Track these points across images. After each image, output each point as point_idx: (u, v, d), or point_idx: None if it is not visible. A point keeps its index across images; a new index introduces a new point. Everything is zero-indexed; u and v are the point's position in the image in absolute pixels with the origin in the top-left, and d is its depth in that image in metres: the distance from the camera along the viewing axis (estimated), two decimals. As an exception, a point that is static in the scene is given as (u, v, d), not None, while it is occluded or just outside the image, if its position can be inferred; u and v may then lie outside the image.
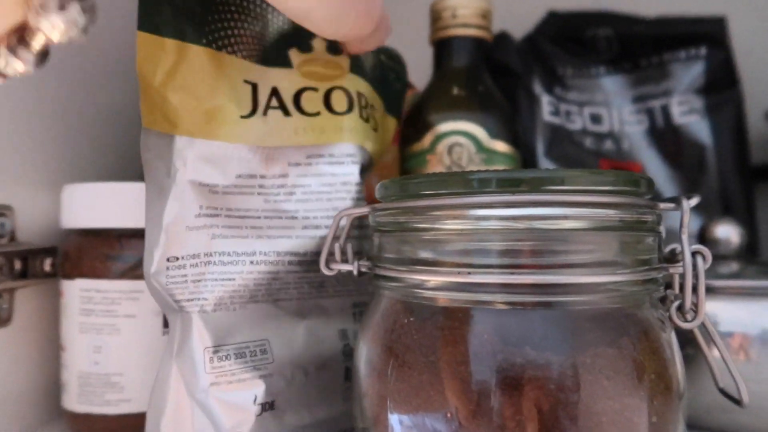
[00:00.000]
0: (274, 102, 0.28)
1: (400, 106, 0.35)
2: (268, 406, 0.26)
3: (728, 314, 0.29)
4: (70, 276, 0.29)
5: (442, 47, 0.39)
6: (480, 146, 0.36)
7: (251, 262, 0.26)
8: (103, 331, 0.28)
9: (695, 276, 0.21)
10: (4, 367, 0.30)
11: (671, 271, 0.22)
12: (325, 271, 0.25)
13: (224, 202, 0.26)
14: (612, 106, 0.46)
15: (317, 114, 0.29)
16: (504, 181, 0.20)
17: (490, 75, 0.41)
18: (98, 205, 0.29)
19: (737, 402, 0.22)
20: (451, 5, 0.38)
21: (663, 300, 0.23)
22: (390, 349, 0.21)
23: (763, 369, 0.28)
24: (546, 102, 0.45)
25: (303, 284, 0.28)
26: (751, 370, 0.28)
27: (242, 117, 0.27)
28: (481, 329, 0.20)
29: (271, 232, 0.27)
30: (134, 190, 0.29)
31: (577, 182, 0.20)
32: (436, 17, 0.39)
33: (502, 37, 0.46)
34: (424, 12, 0.42)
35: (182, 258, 0.25)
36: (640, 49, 0.46)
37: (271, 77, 0.28)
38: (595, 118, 0.46)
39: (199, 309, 0.25)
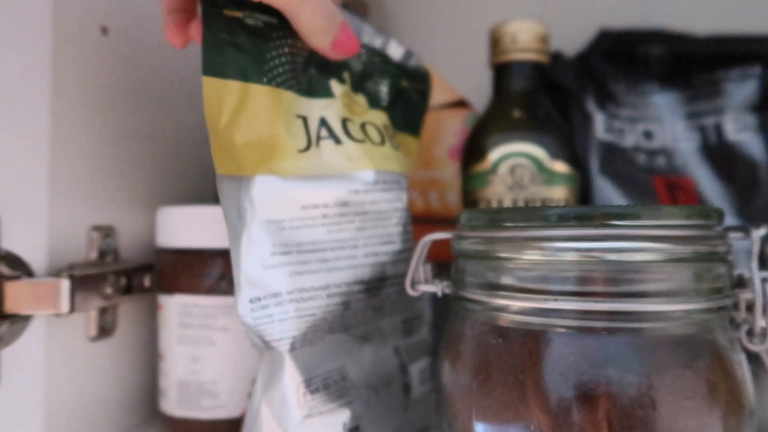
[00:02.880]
0: (324, 132, 0.29)
1: (420, 124, 0.36)
2: (355, 430, 0.28)
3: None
4: (168, 291, 0.32)
5: (502, 71, 0.40)
6: (541, 167, 0.37)
7: (327, 296, 0.28)
8: (200, 343, 0.31)
9: (765, 302, 0.23)
10: (106, 373, 0.33)
11: (741, 296, 0.23)
12: (411, 292, 0.27)
13: (293, 237, 0.27)
14: (664, 123, 0.48)
15: (363, 141, 0.30)
16: (581, 216, 0.22)
17: (545, 93, 0.43)
18: (191, 226, 0.32)
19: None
20: (511, 31, 0.40)
21: (731, 321, 0.24)
22: (477, 368, 0.23)
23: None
24: (599, 119, 0.47)
25: (368, 310, 0.30)
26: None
27: (299, 151, 0.27)
28: (566, 351, 0.22)
29: (338, 264, 0.28)
30: (220, 212, 0.31)
31: (652, 216, 0.22)
32: (495, 42, 0.40)
33: (556, 56, 0.48)
34: (483, 36, 0.44)
35: (264, 298, 0.26)
36: (693, 67, 0.47)
37: (317, 108, 0.29)
38: (648, 135, 0.47)
39: (289, 347, 0.26)
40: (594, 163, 0.45)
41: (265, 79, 0.27)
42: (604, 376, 0.21)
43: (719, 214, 0.23)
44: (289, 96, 0.28)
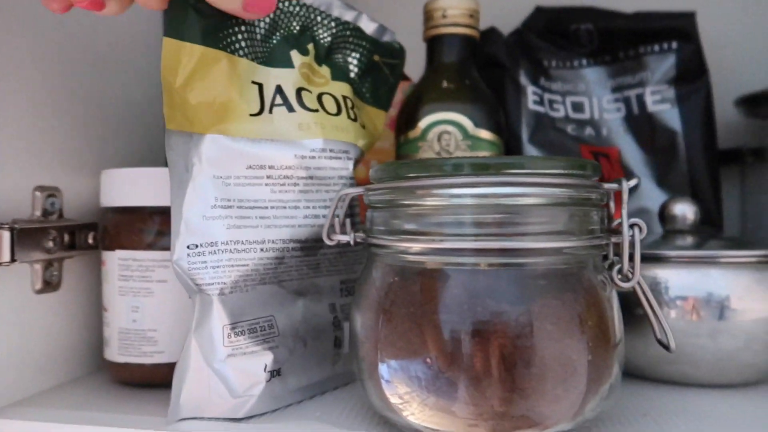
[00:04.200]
0: (279, 100, 0.31)
1: (390, 99, 0.39)
2: (275, 373, 0.30)
3: (679, 280, 0.34)
4: (110, 247, 0.34)
5: (434, 44, 0.43)
6: (466, 134, 0.40)
7: (261, 250, 0.30)
8: (139, 294, 0.33)
9: (632, 244, 0.26)
10: (54, 326, 0.35)
11: (613, 240, 0.26)
12: (327, 242, 0.29)
13: (236, 193, 0.29)
14: (593, 96, 0.51)
15: (316, 111, 0.32)
16: (473, 165, 0.25)
17: (480, 67, 0.45)
18: (133, 186, 0.34)
19: (667, 348, 0.27)
20: (442, 6, 0.42)
21: (611, 265, 0.27)
22: (380, 305, 0.26)
23: (707, 326, 0.32)
24: (531, 92, 0.50)
25: (303, 267, 0.32)
26: (697, 328, 0.33)
27: (251, 115, 0.30)
28: (452, 285, 0.25)
29: (277, 222, 0.31)
30: (164, 174, 0.34)
31: (534, 166, 0.25)
32: (428, 17, 0.43)
33: (491, 32, 0.50)
34: (420, 11, 0.46)
35: (201, 246, 0.28)
36: (619, 43, 0.50)
37: (274, 77, 0.31)
38: (577, 107, 0.50)
39: (218, 292, 0.28)
40: (525, 133, 0.48)
41: (221, 45, 0.28)
42: (481, 305, 0.24)
43: (594, 167, 0.26)
44: (245, 63, 0.30)
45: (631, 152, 0.49)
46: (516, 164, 0.25)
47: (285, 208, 0.31)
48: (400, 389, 0.25)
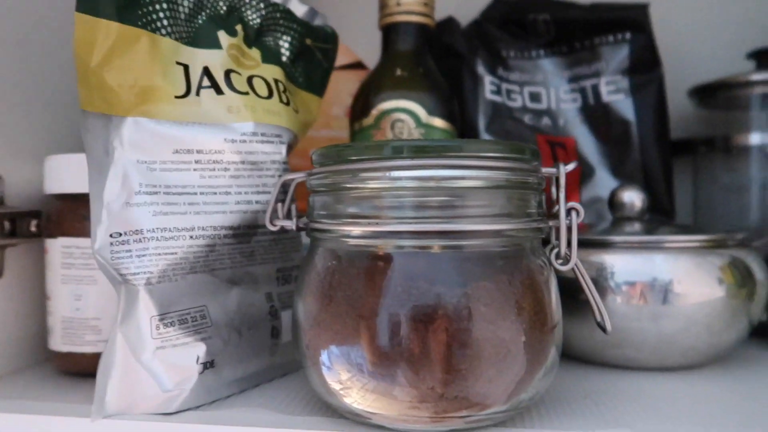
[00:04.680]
0: (206, 82, 0.30)
1: (324, 84, 0.38)
2: (209, 365, 0.29)
3: (624, 265, 0.34)
4: (53, 235, 0.33)
5: (388, 32, 0.43)
6: (419, 122, 0.40)
7: (191, 237, 0.29)
8: (82, 282, 0.33)
9: (570, 228, 0.26)
10: (-5, 316, 0.34)
11: (551, 224, 0.27)
12: (270, 227, 0.29)
13: (162, 179, 0.28)
14: (550, 86, 0.51)
15: (246, 93, 0.31)
16: (413, 148, 0.25)
17: (438, 56, 0.45)
18: (77, 173, 0.33)
19: (603, 329, 0.27)
20: (397, -6, 0.42)
21: (551, 250, 0.27)
22: (320, 291, 0.26)
23: (649, 310, 0.33)
24: (488, 82, 0.50)
25: (236, 254, 0.31)
26: (640, 311, 0.33)
27: (177, 97, 0.29)
28: (392, 268, 0.25)
29: (207, 208, 0.30)
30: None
31: (473, 150, 0.25)
32: (383, 4, 0.43)
33: (449, 22, 0.51)
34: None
35: (125, 234, 0.27)
36: (575, 33, 0.50)
37: (201, 58, 0.30)
38: (534, 97, 0.51)
39: (145, 282, 0.27)
40: (482, 122, 0.49)
41: (140, 23, 0.28)
42: (416, 288, 0.24)
43: (533, 152, 0.26)
44: (168, 42, 0.29)
45: (586, 142, 0.50)
46: (455, 147, 0.25)
47: (216, 194, 0.30)
48: (342, 375, 0.25)
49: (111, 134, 0.27)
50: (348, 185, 0.26)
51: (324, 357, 0.26)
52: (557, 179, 0.26)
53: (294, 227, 0.28)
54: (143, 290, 0.28)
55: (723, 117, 0.50)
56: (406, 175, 0.25)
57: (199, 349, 0.29)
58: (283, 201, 0.30)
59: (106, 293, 0.33)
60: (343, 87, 0.49)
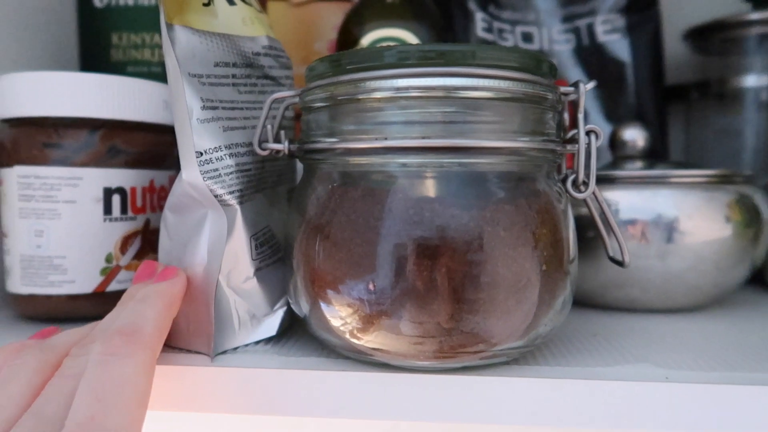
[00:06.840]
0: None
1: None
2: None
3: (629, 201, 0.32)
4: (8, 164, 0.30)
5: (379, -44, 0.39)
6: (412, 52, 0.37)
7: (252, 153, 0.27)
8: (43, 216, 0.29)
9: (588, 152, 0.24)
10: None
11: (569, 149, 0.24)
12: (258, 151, 0.26)
13: (213, 93, 0.26)
14: (542, 26, 0.49)
15: (250, 5, 0.29)
16: (421, 54, 0.22)
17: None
18: (34, 93, 0.30)
19: (621, 264, 0.25)
20: None
21: (565, 180, 0.25)
22: (319, 217, 0.23)
23: (654, 248, 0.32)
24: (480, 19, 0.47)
25: (273, 174, 0.29)
26: (646, 249, 0.32)
27: (204, 5, 0.26)
28: (398, 189, 0.22)
29: (249, 123, 0.28)
30: (70, 79, 0.29)
31: (487, 57, 0.22)
32: (372, -73, 0.39)
33: (440, -46, 0.47)
34: None
35: (206, 152, 0.25)
36: (570, -30, 0.48)
37: None
38: (527, 37, 0.48)
39: (238, 200, 0.26)
40: (473, 61, 0.46)
41: None
42: (429, 210, 0.21)
43: (551, 66, 0.24)
44: None
45: (580, 85, 0.48)
46: (468, 53, 0.22)
47: (252, 110, 0.28)
48: (342, 311, 0.23)
49: (170, 47, 0.24)
50: (347, 98, 0.23)
51: (325, 291, 0.23)
52: (575, 102, 0.24)
53: (286, 151, 0.26)
54: (240, 209, 0.26)
55: (717, 62, 0.48)
56: (413, 84, 0.22)
57: (279, 271, 0.28)
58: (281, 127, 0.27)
59: (72, 228, 0.29)
60: (326, 20, 0.46)
